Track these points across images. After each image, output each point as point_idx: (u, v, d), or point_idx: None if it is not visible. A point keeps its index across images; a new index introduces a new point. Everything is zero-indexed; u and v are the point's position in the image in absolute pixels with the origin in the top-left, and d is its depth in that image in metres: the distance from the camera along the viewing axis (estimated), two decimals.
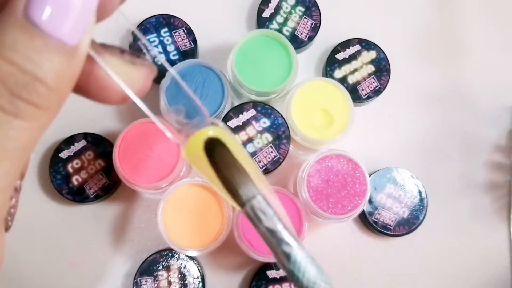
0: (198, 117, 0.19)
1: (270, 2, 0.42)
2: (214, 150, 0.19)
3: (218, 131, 0.19)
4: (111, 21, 0.18)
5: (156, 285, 0.38)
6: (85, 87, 0.16)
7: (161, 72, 0.39)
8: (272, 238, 0.18)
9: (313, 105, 0.38)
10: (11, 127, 0.13)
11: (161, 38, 0.40)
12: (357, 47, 0.41)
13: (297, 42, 0.41)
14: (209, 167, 0.19)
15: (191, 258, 0.39)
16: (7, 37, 0.13)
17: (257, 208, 0.18)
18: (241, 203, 0.18)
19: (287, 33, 0.41)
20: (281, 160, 0.37)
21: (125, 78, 0.16)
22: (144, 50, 0.40)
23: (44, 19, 0.13)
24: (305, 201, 0.36)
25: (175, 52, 0.40)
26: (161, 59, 0.19)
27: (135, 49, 0.40)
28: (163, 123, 0.19)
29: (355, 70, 0.41)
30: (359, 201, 0.36)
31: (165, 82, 0.37)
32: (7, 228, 0.16)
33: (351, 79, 0.41)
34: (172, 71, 0.20)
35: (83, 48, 0.14)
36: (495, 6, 0.45)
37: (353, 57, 0.41)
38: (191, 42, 0.41)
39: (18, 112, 0.13)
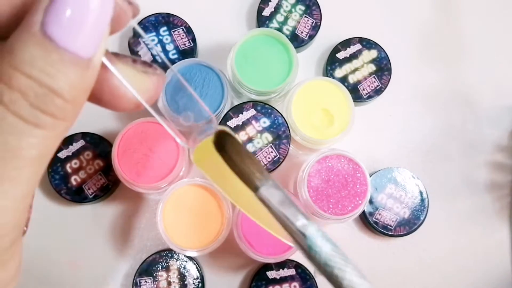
0: (204, 121, 0.20)
1: (270, 1, 0.41)
2: (225, 141, 0.19)
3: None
4: None
5: (155, 285, 0.38)
6: (98, 95, 0.17)
7: (162, 66, 0.39)
8: (286, 219, 0.19)
9: (313, 104, 0.38)
10: (32, 136, 0.14)
11: (160, 37, 0.40)
12: (358, 46, 0.41)
13: (298, 41, 0.41)
14: (219, 170, 0.19)
15: (191, 258, 0.38)
16: (25, 52, 0.14)
17: (270, 192, 0.19)
18: (255, 188, 0.19)
19: (288, 32, 0.41)
20: (281, 160, 0.37)
21: (137, 86, 0.17)
22: (144, 47, 0.40)
23: (60, 34, 0.14)
24: (305, 201, 0.36)
25: (174, 51, 0.40)
26: (163, 57, 0.19)
27: (134, 45, 0.40)
28: (170, 127, 0.20)
29: (356, 69, 0.41)
30: (360, 202, 0.36)
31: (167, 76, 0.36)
32: (23, 233, 0.17)
33: (351, 79, 0.41)
34: (176, 72, 0.20)
35: (96, 60, 0.15)
36: (496, 6, 0.45)
37: (354, 56, 0.41)
38: (190, 41, 0.40)
39: (38, 122, 0.14)
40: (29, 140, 0.14)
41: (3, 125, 0.14)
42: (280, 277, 0.38)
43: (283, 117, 0.37)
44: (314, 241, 0.19)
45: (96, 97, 0.17)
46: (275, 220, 0.20)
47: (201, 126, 0.20)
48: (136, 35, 0.40)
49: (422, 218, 0.40)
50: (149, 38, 0.40)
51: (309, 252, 0.19)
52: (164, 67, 0.38)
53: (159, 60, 0.39)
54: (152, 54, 0.40)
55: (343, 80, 0.40)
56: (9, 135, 0.14)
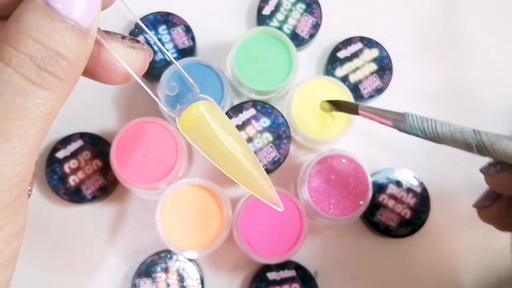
0: (188, 91, 0.21)
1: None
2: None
3: (208, 104, 0.21)
4: (114, 14, 0.20)
5: (154, 287, 0.37)
6: (92, 69, 0.19)
7: (162, 65, 0.38)
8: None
9: (314, 104, 0.37)
10: (38, 97, 0.15)
11: (159, 36, 0.40)
12: (359, 45, 0.41)
13: (298, 40, 0.40)
14: (203, 134, 0.21)
15: (190, 259, 0.38)
16: (32, 21, 0.15)
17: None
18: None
19: (288, 31, 0.40)
20: (281, 160, 0.36)
21: (126, 60, 0.19)
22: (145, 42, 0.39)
23: (61, 5, 0.16)
24: (306, 202, 0.36)
25: (173, 50, 0.40)
26: (165, 52, 0.21)
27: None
28: (158, 98, 0.22)
29: (357, 69, 0.40)
30: (361, 202, 0.36)
31: (166, 74, 0.36)
32: (29, 195, 0.18)
33: (352, 78, 0.40)
34: (180, 68, 0.22)
35: (93, 30, 0.17)
36: (498, 5, 0.44)
37: (355, 55, 0.40)
38: (189, 40, 0.40)
39: (44, 83, 0.15)
40: (35, 100, 0.15)
41: (11, 87, 0.15)
42: (281, 279, 0.38)
43: (283, 117, 0.37)
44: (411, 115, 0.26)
45: (90, 71, 0.19)
46: (260, 187, 0.21)
47: (186, 98, 0.21)
48: (137, 29, 0.40)
49: (424, 219, 0.39)
50: (152, 34, 0.39)
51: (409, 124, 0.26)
52: (167, 64, 0.38)
53: (161, 57, 0.39)
54: (154, 50, 0.40)
55: (344, 79, 0.40)
56: (16, 96, 0.15)
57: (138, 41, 0.20)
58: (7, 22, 0.16)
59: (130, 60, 0.19)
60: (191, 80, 0.21)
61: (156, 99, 0.21)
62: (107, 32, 0.19)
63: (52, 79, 0.16)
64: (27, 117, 0.15)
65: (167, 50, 0.40)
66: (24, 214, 0.17)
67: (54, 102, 0.16)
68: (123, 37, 0.19)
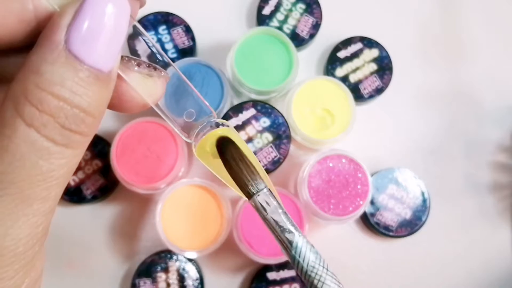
0: (205, 117, 0.21)
1: None
2: (225, 146, 0.21)
3: (226, 131, 0.21)
4: None
5: (154, 286, 0.37)
6: (109, 102, 0.17)
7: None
8: (276, 227, 0.20)
9: (314, 104, 0.37)
10: (62, 157, 0.14)
11: (159, 36, 0.40)
12: (359, 45, 0.40)
13: (298, 40, 0.40)
14: (221, 164, 0.21)
15: (190, 259, 0.38)
16: (53, 73, 0.14)
17: (263, 200, 0.20)
18: (249, 195, 0.20)
19: (288, 31, 0.40)
20: (281, 160, 0.36)
21: (145, 91, 0.17)
22: (144, 45, 0.39)
23: (84, 51, 0.14)
24: (306, 201, 0.36)
25: (173, 50, 0.40)
26: (164, 55, 0.20)
27: (133, 43, 0.40)
28: (174, 124, 0.21)
29: (357, 69, 0.40)
30: (361, 202, 0.36)
31: None
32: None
33: (352, 78, 0.40)
34: (178, 70, 0.21)
35: (115, 71, 0.15)
36: (499, 6, 0.44)
37: (355, 55, 0.40)
38: (189, 40, 0.40)
39: (69, 142, 0.14)
40: (60, 161, 0.14)
41: (34, 149, 0.14)
42: (281, 278, 0.38)
43: (283, 117, 0.37)
44: (299, 251, 0.20)
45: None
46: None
47: (203, 122, 0.21)
48: (136, 33, 0.40)
49: (423, 219, 0.39)
50: (149, 36, 0.39)
51: (293, 261, 0.20)
52: (165, 66, 0.38)
53: (160, 58, 0.39)
54: (152, 52, 0.39)
55: (344, 79, 0.40)
56: (40, 159, 0.14)
57: (155, 68, 0.18)
58: (24, 71, 0.14)
59: (149, 91, 0.17)
60: (207, 103, 0.21)
61: (174, 127, 0.20)
62: (121, 60, 0.17)
63: (77, 136, 0.14)
64: (51, 179, 0.14)
65: (167, 50, 0.40)
66: (42, 260, 0.16)
67: (78, 157, 0.15)
68: (139, 64, 0.18)
